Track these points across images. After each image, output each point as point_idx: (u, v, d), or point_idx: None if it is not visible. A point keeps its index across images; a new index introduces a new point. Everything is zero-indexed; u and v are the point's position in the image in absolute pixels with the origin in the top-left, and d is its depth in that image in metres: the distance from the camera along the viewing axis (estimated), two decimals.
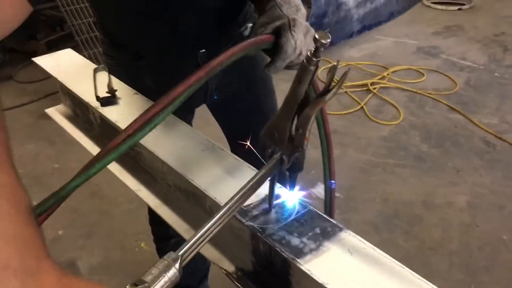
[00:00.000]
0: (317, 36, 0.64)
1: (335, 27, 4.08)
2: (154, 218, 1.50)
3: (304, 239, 0.75)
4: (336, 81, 0.68)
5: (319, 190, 2.68)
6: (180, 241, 0.71)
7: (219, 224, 0.66)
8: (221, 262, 0.91)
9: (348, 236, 0.75)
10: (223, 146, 1.37)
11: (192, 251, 0.60)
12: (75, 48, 3.39)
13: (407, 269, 0.68)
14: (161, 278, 0.53)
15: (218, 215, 0.65)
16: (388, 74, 3.77)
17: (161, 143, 1.02)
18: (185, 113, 1.32)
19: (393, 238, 2.25)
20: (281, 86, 1.23)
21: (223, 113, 1.46)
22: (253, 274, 0.86)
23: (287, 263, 0.74)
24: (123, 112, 1.11)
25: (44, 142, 2.98)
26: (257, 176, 0.72)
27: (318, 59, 0.65)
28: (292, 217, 0.80)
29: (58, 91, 1.43)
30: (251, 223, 0.79)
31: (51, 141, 2.95)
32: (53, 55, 1.42)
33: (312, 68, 0.66)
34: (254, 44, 0.85)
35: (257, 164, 0.83)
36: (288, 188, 0.85)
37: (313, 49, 0.65)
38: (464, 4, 5.16)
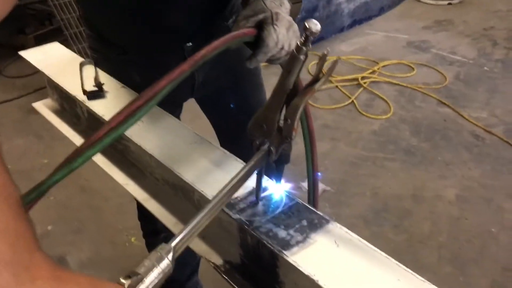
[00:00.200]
0: (306, 25, 0.64)
1: (325, 21, 4.07)
2: (143, 213, 1.49)
3: (291, 231, 0.75)
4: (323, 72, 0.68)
5: None
6: (169, 236, 0.71)
7: (210, 215, 0.66)
8: (209, 255, 0.91)
9: (335, 228, 0.76)
10: (212, 140, 1.38)
11: (184, 242, 0.60)
12: (64, 42, 3.36)
13: (393, 260, 0.69)
14: (154, 270, 0.53)
15: (209, 207, 0.65)
16: (378, 69, 3.78)
17: (148, 136, 1.02)
18: (172, 107, 1.31)
19: (382, 232, 2.26)
20: (272, 80, 1.23)
21: (211, 107, 1.46)
22: (241, 267, 0.86)
23: (274, 255, 0.74)
24: (110, 106, 1.10)
25: (33, 137, 2.95)
26: (246, 168, 0.71)
27: (308, 48, 0.65)
28: (279, 210, 0.80)
29: (46, 86, 1.42)
30: (239, 216, 0.79)
31: (40, 136, 2.93)
32: (40, 48, 1.40)
33: (302, 57, 0.66)
34: (236, 38, 0.85)
35: (246, 158, 0.83)
36: (275, 180, 0.85)
37: (303, 38, 0.65)
38: None
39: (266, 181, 0.84)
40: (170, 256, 0.55)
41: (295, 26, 0.95)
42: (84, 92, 1.13)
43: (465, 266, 2.08)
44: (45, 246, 1.74)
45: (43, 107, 1.42)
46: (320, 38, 4.19)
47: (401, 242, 2.21)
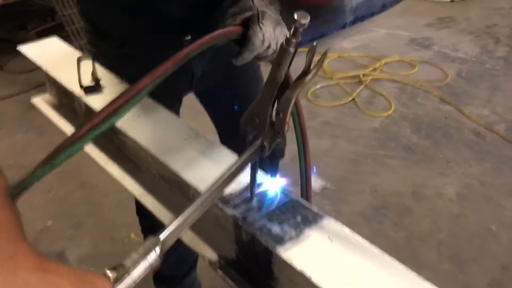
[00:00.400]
0: (295, 17, 0.63)
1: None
2: (141, 209, 1.49)
3: (285, 227, 0.75)
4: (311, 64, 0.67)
5: None
6: None
7: (202, 209, 0.65)
8: (204, 251, 0.91)
9: (329, 223, 0.75)
10: (214, 137, 1.38)
11: (174, 236, 0.60)
12: (66, 38, 3.37)
13: (387, 255, 0.68)
14: (141, 263, 0.53)
15: (200, 201, 0.65)
16: (380, 66, 3.77)
17: (144, 131, 1.01)
18: (171, 101, 1.31)
19: (382, 229, 2.25)
20: None
21: (211, 101, 1.45)
22: (236, 263, 0.86)
23: (268, 251, 0.73)
24: (107, 101, 1.09)
25: (33, 132, 2.96)
26: (238, 163, 0.71)
27: (298, 40, 0.65)
28: (274, 205, 0.79)
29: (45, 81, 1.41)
30: (233, 211, 0.79)
31: (41, 131, 2.93)
32: (38, 43, 1.40)
33: (292, 50, 0.65)
34: (222, 35, 0.86)
35: None
36: (270, 175, 0.84)
37: (292, 30, 0.65)
38: None
39: (261, 177, 0.84)
40: (158, 249, 0.54)
41: (283, 24, 0.96)
42: (81, 86, 1.12)
43: (464, 264, 2.08)
44: (45, 242, 1.75)
45: (42, 102, 1.42)
46: (321, 34, 4.18)
47: (400, 239, 2.20)
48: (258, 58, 0.95)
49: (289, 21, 0.68)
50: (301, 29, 0.64)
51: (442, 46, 4.12)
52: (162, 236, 0.57)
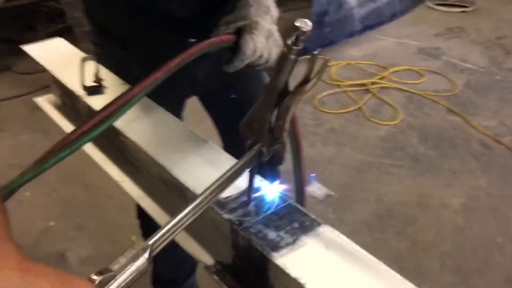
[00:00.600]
0: (296, 24, 0.63)
1: (336, 26, 4.06)
2: (141, 212, 1.49)
3: (281, 233, 0.74)
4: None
5: (314, 189, 2.66)
6: None
7: (194, 214, 0.64)
8: (200, 255, 0.90)
9: (326, 231, 0.74)
10: (217, 142, 1.37)
11: (164, 240, 0.59)
12: (75, 40, 3.38)
13: (383, 264, 0.67)
14: (128, 267, 0.52)
15: (193, 205, 0.64)
16: (388, 74, 3.75)
17: (144, 133, 1.01)
18: (174, 105, 1.31)
19: (385, 238, 2.23)
20: None
21: (214, 104, 1.45)
22: (233, 268, 0.85)
23: (263, 257, 0.72)
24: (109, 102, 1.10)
25: (39, 133, 2.97)
26: (235, 167, 0.70)
27: (299, 47, 0.64)
28: (271, 211, 0.78)
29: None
30: (229, 216, 0.78)
31: (46, 132, 2.94)
32: (43, 43, 1.41)
33: (293, 57, 0.65)
34: (214, 44, 0.88)
35: None
36: (269, 181, 0.83)
37: (294, 37, 0.64)
38: (467, 7, 5.13)
39: (259, 182, 0.83)
40: (146, 254, 0.54)
41: (276, 35, 0.97)
42: (84, 87, 1.12)
43: (468, 276, 2.05)
44: (46, 242, 1.75)
45: (46, 102, 1.42)
46: (330, 42, 4.18)
47: (404, 249, 2.18)
48: (252, 66, 0.96)
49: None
50: (302, 37, 0.63)
51: (451, 56, 4.09)
52: (151, 240, 0.56)
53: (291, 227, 0.75)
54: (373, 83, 3.63)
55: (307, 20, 0.62)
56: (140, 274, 0.52)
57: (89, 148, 1.19)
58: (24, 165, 2.33)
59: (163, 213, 1.00)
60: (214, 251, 0.89)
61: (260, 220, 0.76)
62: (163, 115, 1.07)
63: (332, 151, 2.86)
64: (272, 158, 0.75)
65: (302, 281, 0.65)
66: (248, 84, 1.37)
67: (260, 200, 0.81)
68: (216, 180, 0.67)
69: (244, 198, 0.80)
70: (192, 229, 0.93)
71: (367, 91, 3.54)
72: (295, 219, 0.76)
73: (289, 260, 0.69)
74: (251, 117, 0.72)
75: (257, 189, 0.82)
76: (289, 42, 0.65)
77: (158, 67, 1.24)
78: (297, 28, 0.63)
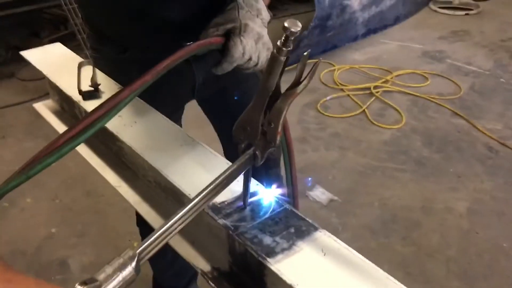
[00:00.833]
0: (286, 25, 0.61)
1: (339, 30, 4.05)
2: (141, 220, 1.48)
3: (277, 238, 0.72)
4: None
5: (317, 193, 2.64)
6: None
7: (185, 220, 0.63)
8: (196, 261, 0.88)
9: (323, 236, 0.72)
10: (219, 147, 1.35)
11: (152, 248, 0.58)
12: (78, 47, 3.39)
13: (381, 271, 0.65)
14: (114, 277, 0.51)
15: (182, 213, 0.63)
16: (391, 78, 3.73)
17: (140, 137, 1.00)
18: (173, 109, 1.30)
19: (390, 243, 2.21)
20: None
21: (214, 108, 1.44)
22: (230, 274, 0.83)
23: (260, 263, 0.71)
24: None
25: (42, 140, 2.96)
26: (227, 172, 0.69)
27: (288, 49, 0.62)
28: (267, 216, 0.77)
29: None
30: (224, 221, 0.76)
31: (49, 138, 2.91)
32: (42, 49, 1.40)
33: (282, 58, 0.63)
34: (202, 46, 0.88)
35: None
36: (265, 185, 0.82)
37: (283, 39, 0.62)
38: (471, 9, 5.11)
39: (255, 186, 0.82)
40: (133, 263, 0.52)
41: (266, 38, 0.97)
42: (80, 92, 1.11)
43: (474, 281, 2.02)
44: (48, 249, 1.73)
45: (44, 107, 1.41)
46: (333, 46, 4.17)
47: (408, 254, 2.15)
48: (241, 68, 0.95)
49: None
50: (292, 38, 0.61)
51: (456, 59, 4.07)
52: (139, 249, 0.54)
53: (287, 232, 0.73)
54: (376, 86, 3.61)
55: (296, 21, 0.61)
56: (126, 284, 0.51)
57: (86, 154, 1.18)
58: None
59: (160, 219, 0.99)
60: (211, 258, 0.87)
61: (256, 225, 0.75)
62: (160, 120, 1.05)
63: (335, 156, 2.84)
64: (267, 162, 0.74)
65: (298, 287, 0.63)
66: (247, 89, 1.36)
67: (256, 204, 0.79)
68: (208, 185, 0.66)
69: (240, 203, 0.79)
70: (189, 235, 0.92)
71: (371, 95, 3.52)
72: (292, 224, 0.75)
73: (285, 266, 0.67)
74: (243, 120, 0.71)
75: (253, 194, 0.80)
76: (278, 43, 0.63)
77: None
78: (286, 29, 0.61)
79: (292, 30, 0.60)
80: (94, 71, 1.17)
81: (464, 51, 4.24)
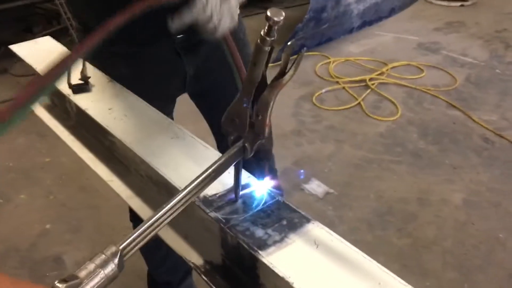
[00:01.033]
0: (268, 14, 0.59)
1: (334, 22, 4.03)
2: (135, 215, 1.47)
3: (269, 231, 0.71)
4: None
5: (313, 186, 2.63)
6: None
7: (169, 216, 0.62)
8: (189, 255, 0.87)
9: (316, 227, 0.71)
10: (213, 142, 1.33)
11: (137, 244, 0.56)
12: (71, 42, 3.37)
13: (375, 262, 0.64)
14: (96, 274, 0.49)
15: (167, 207, 0.61)
16: (387, 70, 3.72)
17: (131, 131, 0.98)
18: (164, 103, 1.28)
19: (386, 236, 2.20)
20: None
21: (206, 102, 1.42)
22: (222, 267, 0.82)
23: (252, 255, 0.70)
24: (95, 100, 1.07)
25: (35, 135, 2.94)
26: (215, 165, 0.67)
27: (272, 38, 0.60)
28: (259, 208, 0.75)
29: None
30: (216, 214, 0.75)
31: (43, 134, 2.92)
32: (31, 42, 1.39)
33: (266, 48, 0.61)
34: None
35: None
36: (257, 177, 0.81)
37: (266, 28, 0.61)
38: (466, 1, 5.10)
39: (247, 178, 0.80)
40: (116, 260, 0.50)
41: (232, 4, 0.93)
42: (70, 85, 1.10)
43: (471, 272, 2.02)
44: (42, 246, 1.71)
45: None
46: (328, 39, 4.15)
47: (404, 246, 2.15)
48: (198, 28, 0.91)
49: None
50: (275, 27, 0.59)
51: (451, 51, 4.06)
52: (122, 245, 0.53)
53: (279, 225, 0.72)
54: (372, 79, 3.60)
55: (280, 10, 0.59)
56: (109, 280, 0.49)
57: (78, 148, 1.16)
58: (20, 168, 2.32)
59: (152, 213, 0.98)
60: (204, 251, 0.86)
61: (248, 218, 0.74)
62: (150, 112, 1.04)
63: (331, 148, 2.83)
64: (258, 153, 0.72)
65: (289, 279, 0.62)
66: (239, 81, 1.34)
67: (248, 197, 0.78)
68: (196, 178, 0.64)
69: (231, 196, 0.78)
70: (182, 229, 0.91)
71: (366, 87, 3.51)
72: (284, 216, 0.74)
73: (277, 258, 0.66)
74: (230, 112, 0.69)
75: (245, 186, 0.79)
76: (262, 33, 0.61)
77: (146, 64, 1.22)
78: (269, 18, 0.59)
79: (275, 19, 0.58)
80: (84, 65, 1.15)
81: (459, 42, 4.23)
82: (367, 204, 2.39)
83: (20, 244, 2.16)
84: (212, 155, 0.91)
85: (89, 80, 1.11)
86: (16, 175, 2.57)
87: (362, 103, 3.30)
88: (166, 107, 1.29)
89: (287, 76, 0.62)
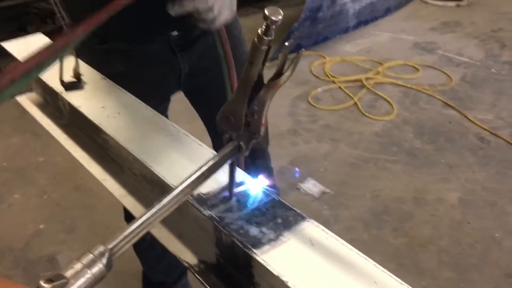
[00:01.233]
0: (266, 13, 0.58)
1: (330, 21, 4.02)
2: (129, 215, 1.46)
3: (264, 229, 0.70)
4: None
5: (308, 185, 2.62)
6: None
7: (161, 214, 0.61)
8: (183, 255, 0.86)
9: (311, 226, 0.70)
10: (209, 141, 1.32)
11: (126, 243, 0.55)
12: None
13: (371, 261, 0.63)
14: (83, 274, 0.48)
15: (159, 206, 0.60)
16: (383, 70, 3.72)
17: (124, 129, 0.97)
18: (159, 100, 1.27)
19: (382, 235, 2.19)
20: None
21: (201, 100, 1.41)
22: (217, 267, 0.81)
23: (246, 254, 0.69)
24: (88, 97, 1.06)
25: (30, 135, 2.92)
26: (210, 163, 0.66)
27: (270, 38, 0.59)
28: (253, 206, 0.74)
29: None
30: (210, 212, 0.74)
31: (37, 134, 2.90)
32: (23, 39, 1.37)
33: (264, 48, 0.60)
34: None
35: None
36: (251, 176, 0.80)
37: (264, 27, 0.60)
38: (462, 0, 5.10)
39: (241, 177, 0.79)
40: (104, 259, 0.49)
41: None
42: (62, 82, 1.08)
43: (467, 271, 2.01)
44: (36, 246, 1.70)
45: (27, 100, 1.38)
46: (324, 38, 4.14)
47: (400, 245, 2.14)
48: (197, 18, 0.91)
49: None
50: (273, 26, 0.58)
51: (447, 50, 4.06)
52: (111, 244, 0.52)
53: (274, 223, 0.71)
54: (367, 78, 3.59)
55: (278, 9, 0.58)
56: (96, 280, 0.48)
57: (71, 147, 1.15)
58: (14, 167, 2.30)
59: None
60: (198, 251, 0.85)
61: (242, 216, 0.73)
62: (143, 110, 1.03)
63: (327, 148, 2.82)
64: (253, 152, 0.72)
65: (284, 278, 0.62)
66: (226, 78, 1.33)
67: (243, 195, 0.77)
68: (189, 176, 0.63)
69: (226, 194, 0.77)
70: (176, 228, 0.90)
71: (362, 86, 3.51)
72: (279, 215, 0.73)
73: (271, 257, 0.65)
74: (226, 110, 0.68)
75: (240, 184, 0.78)
76: (259, 32, 0.60)
77: (140, 61, 1.21)
78: (267, 17, 0.58)
79: (273, 18, 0.57)
80: (76, 62, 1.14)
81: (455, 42, 4.23)
82: (363, 204, 2.39)
83: (14, 244, 2.14)
84: (207, 153, 0.89)
85: (82, 77, 1.10)
86: (10, 175, 2.55)
87: (358, 102, 3.29)
88: (161, 105, 1.28)
89: (284, 77, 0.61)
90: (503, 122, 3.06)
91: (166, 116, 1.33)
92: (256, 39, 0.61)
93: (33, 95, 1.40)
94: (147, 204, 0.98)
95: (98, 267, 0.49)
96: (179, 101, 1.42)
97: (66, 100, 1.11)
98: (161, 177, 0.84)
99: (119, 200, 1.00)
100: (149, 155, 0.90)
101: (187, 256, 0.85)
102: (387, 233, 2.21)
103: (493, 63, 3.83)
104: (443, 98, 3.32)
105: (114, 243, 0.53)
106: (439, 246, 2.14)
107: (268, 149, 1.28)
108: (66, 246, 2.14)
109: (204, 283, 0.80)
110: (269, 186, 0.79)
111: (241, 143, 0.69)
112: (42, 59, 0.59)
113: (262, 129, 0.67)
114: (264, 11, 0.58)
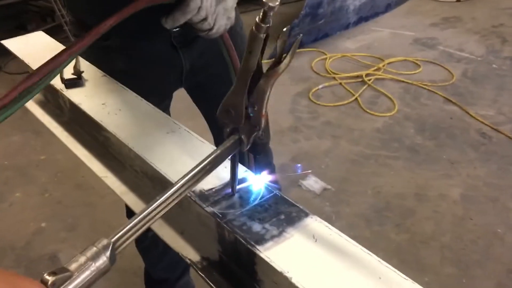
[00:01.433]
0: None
1: (330, 18, 4.01)
2: (130, 211, 1.45)
3: (267, 225, 0.70)
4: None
5: (310, 182, 2.62)
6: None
7: (163, 209, 0.60)
8: (185, 251, 0.86)
9: (314, 222, 0.70)
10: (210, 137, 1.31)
11: (129, 237, 0.55)
12: (65, 39, 3.34)
13: (374, 256, 0.63)
14: (87, 267, 0.48)
15: (161, 200, 0.60)
16: (383, 66, 3.71)
17: (125, 126, 0.97)
18: (161, 97, 1.27)
19: (384, 231, 2.19)
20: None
21: (202, 96, 1.41)
22: (219, 264, 0.81)
23: (249, 251, 0.68)
24: (88, 94, 1.06)
25: (30, 133, 2.92)
26: (211, 157, 0.66)
27: (268, 25, 0.59)
28: (256, 202, 0.74)
29: None
30: (212, 208, 0.74)
31: (38, 132, 2.90)
32: (22, 37, 1.37)
33: (262, 36, 0.60)
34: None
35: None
36: (254, 171, 0.79)
37: (261, 14, 0.59)
38: None
39: (243, 173, 0.79)
40: (108, 252, 0.49)
41: (229, 5, 0.90)
42: (62, 80, 1.08)
43: (469, 267, 2.01)
44: (38, 244, 1.69)
45: None
46: (324, 35, 4.13)
47: (402, 242, 2.14)
48: (194, 28, 0.89)
49: None
50: (270, 13, 0.58)
51: (448, 46, 4.05)
52: (114, 237, 0.51)
53: (277, 219, 0.71)
54: (368, 74, 3.59)
55: None
56: (100, 274, 0.48)
57: (72, 144, 1.15)
58: (16, 166, 2.30)
59: None
60: (201, 248, 0.85)
61: (245, 212, 0.72)
62: (145, 107, 1.02)
63: (328, 144, 2.81)
64: (254, 146, 0.71)
65: (288, 274, 0.61)
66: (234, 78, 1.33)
67: (245, 191, 0.76)
68: (190, 171, 0.63)
69: (228, 190, 0.76)
70: (178, 225, 0.89)
71: (363, 83, 3.50)
72: (282, 211, 0.72)
73: (275, 253, 0.65)
74: (226, 103, 0.67)
75: (242, 180, 0.78)
76: (257, 20, 0.59)
77: (141, 58, 1.20)
78: (264, 4, 0.57)
79: (270, 4, 0.57)
80: (77, 59, 1.13)
81: (456, 37, 4.22)
82: (365, 200, 2.38)
83: (15, 242, 2.14)
84: (208, 150, 0.89)
85: (82, 74, 1.10)
86: (11, 173, 2.55)
87: (358, 98, 3.29)
88: (162, 102, 1.28)
89: (283, 65, 0.60)
90: (504, 118, 3.05)
91: (168, 114, 1.32)
92: (254, 27, 0.60)
93: None
94: (149, 201, 0.96)
95: (102, 260, 0.49)
96: (180, 98, 1.41)
97: (67, 98, 1.11)
98: (162, 173, 0.84)
99: (121, 197, 1.00)
100: (150, 152, 0.90)
101: (190, 253, 0.85)
102: (389, 230, 2.20)
103: (494, 59, 3.82)
104: (444, 94, 3.32)
105: (117, 236, 0.52)
106: (441, 242, 2.13)
107: (269, 145, 1.27)
108: (67, 244, 2.14)
109: (207, 280, 0.79)
110: (271, 182, 0.78)
111: (242, 136, 0.68)
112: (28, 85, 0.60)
113: (263, 121, 0.66)
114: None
